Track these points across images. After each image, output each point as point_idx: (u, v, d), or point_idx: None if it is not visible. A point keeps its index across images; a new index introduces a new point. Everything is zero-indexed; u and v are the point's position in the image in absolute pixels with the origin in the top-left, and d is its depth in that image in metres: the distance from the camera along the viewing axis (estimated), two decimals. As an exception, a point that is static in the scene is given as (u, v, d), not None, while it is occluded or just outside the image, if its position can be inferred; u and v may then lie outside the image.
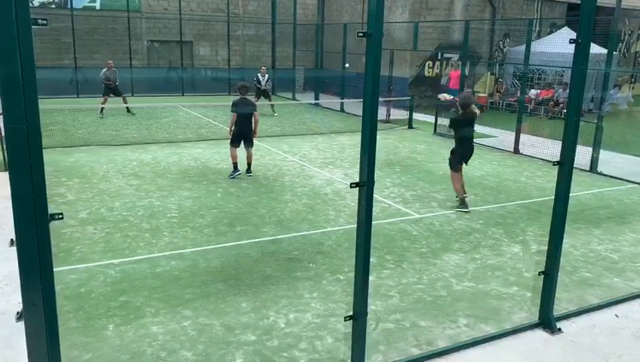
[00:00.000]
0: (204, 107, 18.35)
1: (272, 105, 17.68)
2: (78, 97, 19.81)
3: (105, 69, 16.32)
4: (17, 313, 4.71)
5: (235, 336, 4.59)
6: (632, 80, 24.62)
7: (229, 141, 9.77)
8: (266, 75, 17.64)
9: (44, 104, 2.87)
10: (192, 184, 9.22)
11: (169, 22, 22.52)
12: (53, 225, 2.78)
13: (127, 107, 16.39)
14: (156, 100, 17.73)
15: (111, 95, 16.22)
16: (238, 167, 9.65)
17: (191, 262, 6.08)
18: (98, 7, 21.39)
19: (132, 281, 5.54)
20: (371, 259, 4.08)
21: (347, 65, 18.43)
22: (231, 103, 9.71)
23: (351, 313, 3.86)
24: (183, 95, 21.83)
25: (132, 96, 19.43)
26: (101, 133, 13.60)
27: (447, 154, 8.59)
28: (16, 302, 4.79)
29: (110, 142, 12.53)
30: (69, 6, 20.20)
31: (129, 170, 10.03)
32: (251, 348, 4.42)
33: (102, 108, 16.02)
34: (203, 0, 23.39)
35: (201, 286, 5.46)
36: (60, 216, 2.81)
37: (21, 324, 3.08)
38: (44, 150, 2.65)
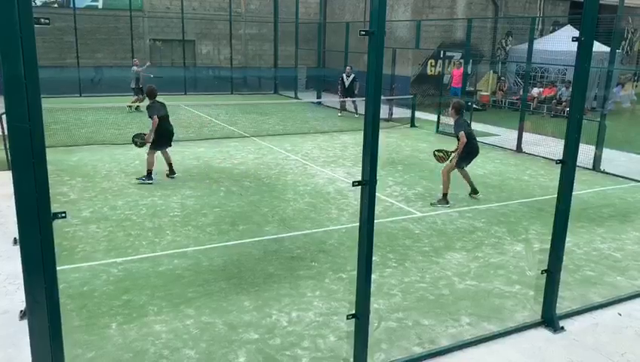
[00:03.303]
0: (206, 106, 18.35)
1: (356, 105, 17.45)
2: (80, 96, 19.83)
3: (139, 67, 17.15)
4: (21, 311, 4.73)
5: (237, 335, 4.59)
6: (635, 78, 24.54)
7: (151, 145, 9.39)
8: (352, 75, 17.49)
9: (47, 103, 2.87)
10: (194, 183, 9.23)
11: (171, 21, 22.52)
12: (56, 223, 2.79)
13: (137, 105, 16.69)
14: (159, 99, 17.68)
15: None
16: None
17: (193, 260, 6.08)
18: (100, 7, 21.42)
19: (135, 280, 5.56)
20: (374, 258, 4.08)
21: None
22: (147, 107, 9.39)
23: (353, 311, 3.86)
24: (185, 94, 21.83)
25: (135, 95, 19.40)
26: (103, 132, 13.60)
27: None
28: (20, 301, 4.81)
29: (113, 141, 12.53)
30: (71, 5, 20.23)
31: (132, 169, 10.04)
32: (254, 347, 4.42)
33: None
34: (205, -1, 23.41)
35: (204, 285, 5.47)
36: (63, 215, 2.81)
37: (24, 322, 3.09)
38: (46, 149, 2.66)
